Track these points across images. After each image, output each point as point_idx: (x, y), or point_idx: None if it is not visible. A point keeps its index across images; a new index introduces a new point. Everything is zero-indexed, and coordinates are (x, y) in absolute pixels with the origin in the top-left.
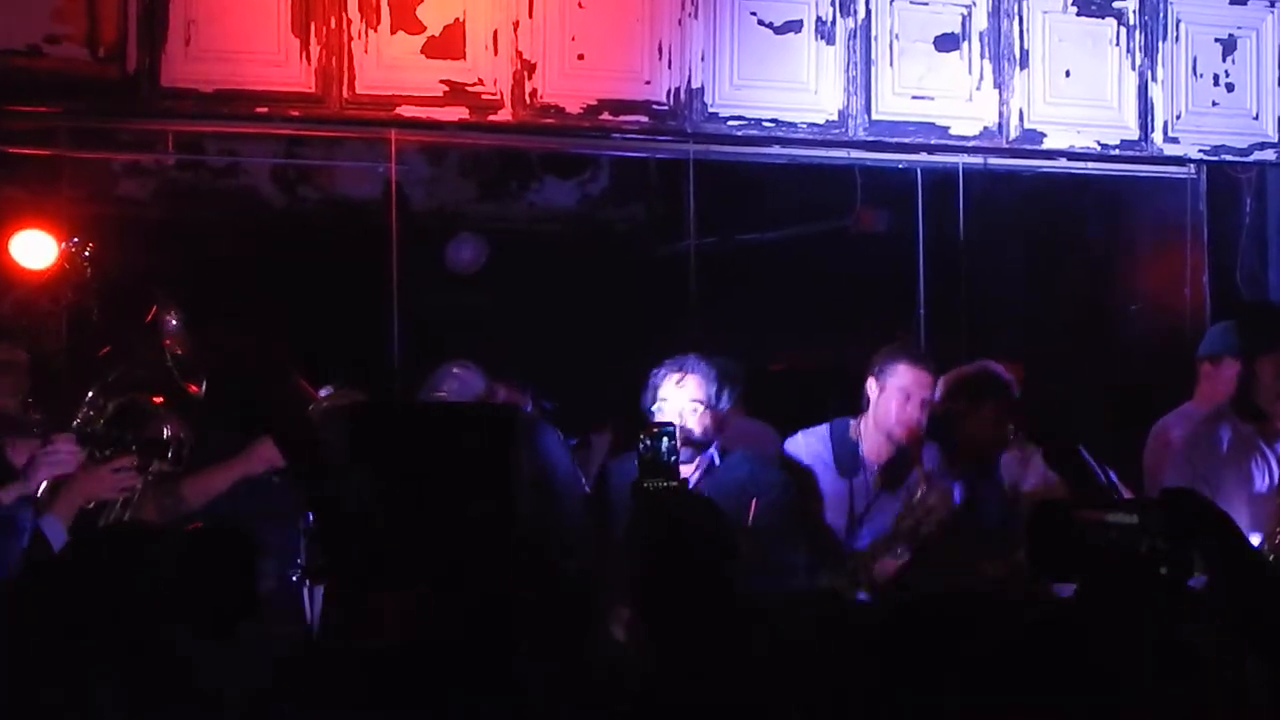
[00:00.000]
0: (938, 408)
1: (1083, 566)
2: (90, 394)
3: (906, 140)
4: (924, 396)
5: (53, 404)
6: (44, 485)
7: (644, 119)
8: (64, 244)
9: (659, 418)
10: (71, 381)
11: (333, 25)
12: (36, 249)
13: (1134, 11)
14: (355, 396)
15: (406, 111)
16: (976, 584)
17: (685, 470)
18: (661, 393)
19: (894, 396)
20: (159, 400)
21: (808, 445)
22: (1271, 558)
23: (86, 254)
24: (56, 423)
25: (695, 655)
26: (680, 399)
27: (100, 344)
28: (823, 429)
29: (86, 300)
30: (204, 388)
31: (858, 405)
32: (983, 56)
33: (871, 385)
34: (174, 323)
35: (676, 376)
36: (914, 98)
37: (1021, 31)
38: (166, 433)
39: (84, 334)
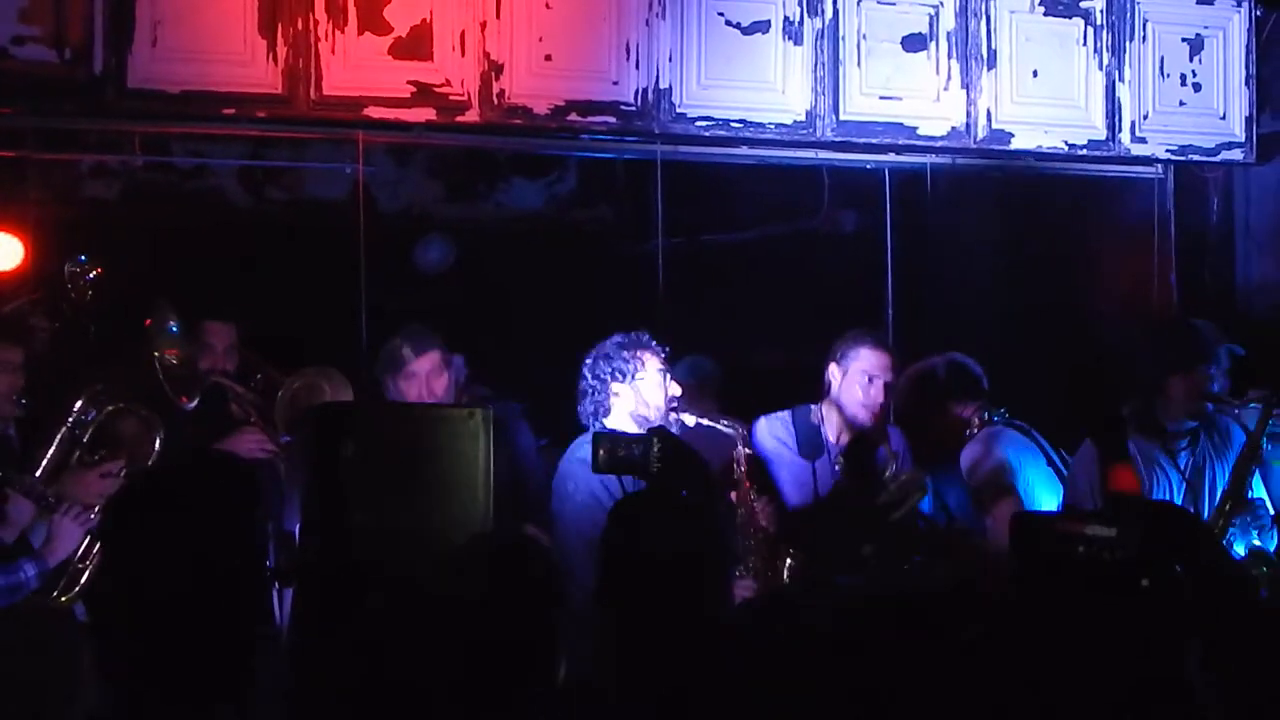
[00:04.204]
0: (905, 400)
1: (1062, 578)
2: (79, 402)
3: (874, 140)
4: (887, 379)
5: (44, 403)
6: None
7: (612, 119)
8: (69, 264)
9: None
10: (63, 381)
11: (300, 26)
12: (3, 250)
13: (1101, 11)
14: (329, 374)
15: (374, 112)
16: (939, 580)
17: None
18: (650, 368)
19: (857, 379)
20: (146, 409)
21: (770, 429)
22: None
23: (91, 276)
24: (46, 423)
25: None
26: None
27: (93, 348)
28: (785, 414)
29: (84, 320)
30: (196, 401)
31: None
32: (950, 56)
33: (833, 370)
34: (172, 331)
35: (659, 358)
36: (882, 98)
37: (989, 31)
38: (157, 441)
39: (77, 337)
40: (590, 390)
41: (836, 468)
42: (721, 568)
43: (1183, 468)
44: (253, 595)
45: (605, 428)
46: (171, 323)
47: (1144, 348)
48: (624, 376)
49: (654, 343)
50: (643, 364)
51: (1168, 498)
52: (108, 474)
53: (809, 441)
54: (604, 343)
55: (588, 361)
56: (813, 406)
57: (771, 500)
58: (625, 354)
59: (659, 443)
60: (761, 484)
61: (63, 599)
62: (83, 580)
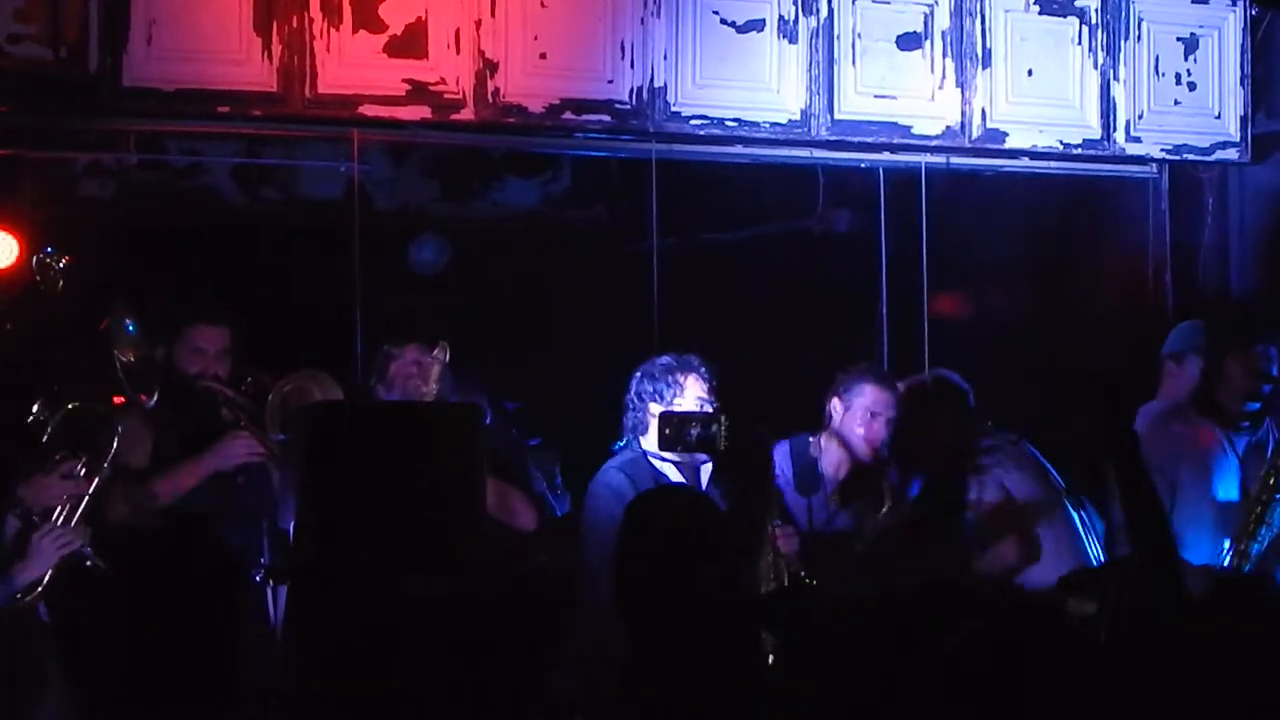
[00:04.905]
0: (895, 418)
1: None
2: (37, 404)
3: (869, 140)
4: (889, 416)
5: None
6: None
7: (607, 118)
8: (38, 254)
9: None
10: (29, 379)
11: (294, 24)
12: None
13: (1096, 10)
14: (318, 378)
15: (369, 111)
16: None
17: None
18: (690, 394)
19: (859, 416)
20: (107, 406)
21: None
22: (1237, 563)
23: (61, 266)
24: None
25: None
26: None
27: (57, 344)
28: (782, 445)
29: (54, 312)
30: (155, 397)
31: (819, 405)
32: (945, 55)
33: (835, 405)
34: (129, 330)
35: (704, 384)
36: (876, 97)
37: (984, 30)
38: (115, 439)
39: (43, 332)
40: (631, 405)
41: (831, 504)
42: (738, 565)
43: (1240, 450)
44: None
45: (642, 448)
46: (128, 322)
47: (1199, 331)
48: (660, 399)
49: (703, 367)
50: (682, 389)
51: (1226, 479)
52: (67, 475)
53: (805, 476)
54: (654, 360)
55: (635, 375)
56: (810, 438)
57: (795, 529)
58: (669, 377)
59: (726, 421)
60: (783, 511)
61: (24, 599)
62: (44, 581)
